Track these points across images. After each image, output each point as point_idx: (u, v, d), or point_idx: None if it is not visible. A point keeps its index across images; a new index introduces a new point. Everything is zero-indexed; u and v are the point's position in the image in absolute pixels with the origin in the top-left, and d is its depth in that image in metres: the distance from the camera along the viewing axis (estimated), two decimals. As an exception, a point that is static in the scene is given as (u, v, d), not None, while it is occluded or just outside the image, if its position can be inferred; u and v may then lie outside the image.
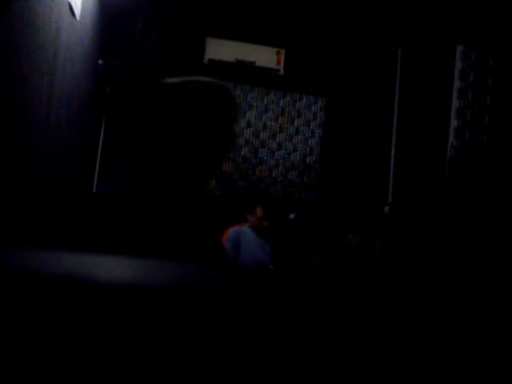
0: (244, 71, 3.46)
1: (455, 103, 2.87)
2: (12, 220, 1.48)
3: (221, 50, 3.44)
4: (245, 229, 3.14)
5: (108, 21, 2.89)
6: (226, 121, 1.10)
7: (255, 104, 3.62)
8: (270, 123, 3.61)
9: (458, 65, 2.88)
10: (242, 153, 3.58)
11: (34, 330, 0.34)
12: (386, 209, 3.20)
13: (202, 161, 1.08)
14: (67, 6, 1.92)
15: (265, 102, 3.61)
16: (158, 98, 1.11)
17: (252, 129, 3.60)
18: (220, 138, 1.08)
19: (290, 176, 3.61)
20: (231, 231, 3.09)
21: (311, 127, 3.68)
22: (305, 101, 3.68)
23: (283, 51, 3.52)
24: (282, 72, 3.54)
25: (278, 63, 3.52)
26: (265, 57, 3.50)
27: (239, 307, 0.37)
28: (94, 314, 0.34)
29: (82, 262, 0.38)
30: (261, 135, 3.61)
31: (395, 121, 3.36)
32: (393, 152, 3.35)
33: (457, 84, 2.87)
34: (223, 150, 1.12)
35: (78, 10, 2.08)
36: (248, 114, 3.60)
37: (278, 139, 3.62)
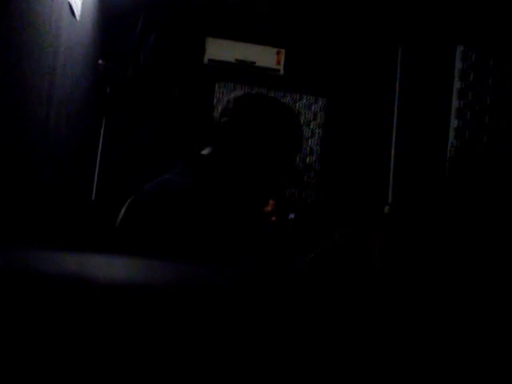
0: (244, 71, 3.46)
1: (455, 103, 2.86)
2: (12, 220, 1.48)
3: (221, 50, 3.43)
4: None
5: (108, 21, 2.88)
6: (288, 151, 1.09)
7: (255, 104, 3.61)
8: (270, 123, 3.60)
9: (458, 65, 2.87)
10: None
11: (34, 329, 0.34)
12: (386, 209, 3.19)
13: (261, 185, 1.07)
14: (67, 5, 1.92)
15: (265, 102, 3.60)
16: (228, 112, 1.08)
17: (252, 129, 3.59)
18: (278, 168, 1.07)
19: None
20: None
21: (311, 127, 3.68)
22: (305, 101, 3.68)
23: (283, 51, 3.52)
24: (282, 72, 3.54)
25: (278, 63, 3.52)
26: (265, 57, 3.50)
27: (239, 307, 0.37)
28: (94, 314, 0.34)
29: (82, 262, 0.38)
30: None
31: (395, 121, 3.36)
32: (393, 152, 3.34)
33: (457, 84, 2.87)
34: (283, 179, 1.11)
35: (78, 10, 2.08)
36: (248, 114, 3.59)
37: (278, 139, 3.61)
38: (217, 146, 1.07)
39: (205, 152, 1.08)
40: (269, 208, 2.96)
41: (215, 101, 3.33)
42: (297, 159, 1.15)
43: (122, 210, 1.00)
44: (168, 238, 0.90)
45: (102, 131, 3.15)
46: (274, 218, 3.00)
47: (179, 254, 0.88)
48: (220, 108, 1.08)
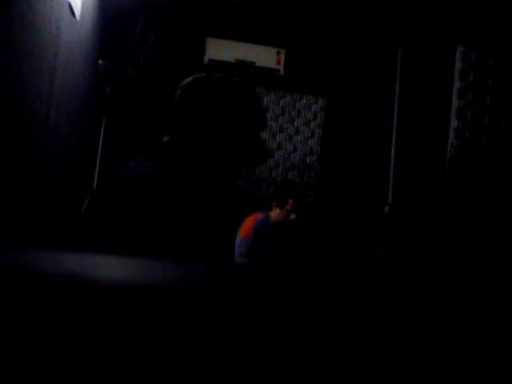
0: (244, 71, 3.46)
1: (455, 103, 2.86)
2: (12, 220, 1.48)
3: (221, 50, 3.43)
4: (269, 221, 2.88)
5: (108, 21, 2.88)
6: (249, 127, 1.09)
7: (255, 104, 3.61)
8: (269, 123, 3.61)
9: (458, 65, 2.87)
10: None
11: (34, 329, 0.34)
12: (386, 209, 3.20)
13: (224, 163, 1.07)
14: (67, 5, 1.92)
15: (265, 102, 3.61)
16: (184, 95, 1.08)
17: (252, 129, 3.59)
18: (243, 144, 1.07)
19: (289, 176, 3.61)
20: (259, 220, 2.81)
21: (311, 127, 3.68)
22: (305, 101, 3.68)
23: (283, 51, 3.52)
24: (282, 72, 3.54)
25: (278, 63, 3.52)
26: (265, 57, 3.50)
27: (237, 308, 0.37)
28: (94, 314, 0.34)
29: (82, 262, 0.38)
30: (261, 135, 3.58)
31: (395, 121, 3.36)
32: (393, 152, 3.35)
33: (457, 84, 2.87)
34: (247, 157, 1.11)
35: (78, 9, 2.08)
36: (248, 114, 3.59)
37: (278, 139, 3.62)
38: (173, 132, 1.09)
39: (164, 139, 1.10)
40: (288, 207, 2.95)
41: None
42: (258, 135, 1.15)
43: (87, 200, 1.01)
44: (129, 226, 0.91)
45: (102, 131, 3.15)
46: (293, 217, 2.98)
47: (140, 242, 0.89)
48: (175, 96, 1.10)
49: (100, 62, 2.86)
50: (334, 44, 3.51)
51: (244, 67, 3.46)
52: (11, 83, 1.39)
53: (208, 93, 1.06)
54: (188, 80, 1.09)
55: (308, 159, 3.66)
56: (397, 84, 3.36)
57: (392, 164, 3.33)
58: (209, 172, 1.07)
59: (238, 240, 2.68)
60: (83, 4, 2.19)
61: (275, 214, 2.92)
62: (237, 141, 1.07)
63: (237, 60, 3.45)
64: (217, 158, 1.06)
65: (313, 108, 3.69)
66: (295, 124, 3.66)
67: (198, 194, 1.05)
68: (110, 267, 0.39)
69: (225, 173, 1.09)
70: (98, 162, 3.10)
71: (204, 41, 3.41)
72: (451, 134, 2.84)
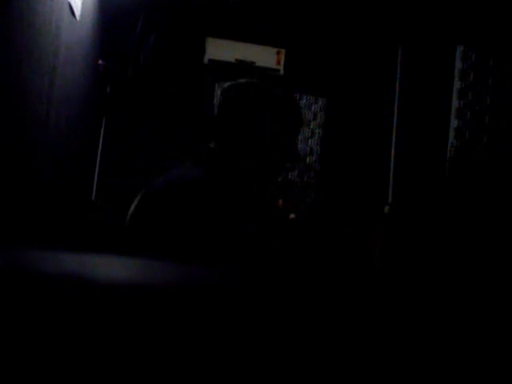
0: (244, 71, 3.46)
1: (455, 103, 2.86)
2: (12, 220, 1.48)
3: (221, 50, 3.43)
4: None
5: (108, 21, 2.89)
6: (290, 133, 1.10)
7: (255, 104, 3.60)
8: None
9: (458, 65, 2.87)
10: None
11: (34, 330, 0.34)
12: (386, 209, 3.20)
13: (263, 167, 1.08)
14: (67, 5, 1.92)
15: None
16: (228, 99, 1.08)
17: (252, 129, 3.59)
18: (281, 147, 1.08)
19: (290, 176, 3.61)
20: None
21: (311, 127, 3.68)
22: (305, 101, 3.68)
23: (283, 51, 3.52)
24: (282, 72, 3.54)
25: (278, 63, 3.52)
26: (265, 57, 3.50)
27: (239, 308, 0.37)
28: (94, 315, 0.34)
29: (82, 262, 0.38)
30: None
31: (395, 121, 3.36)
32: (393, 152, 3.35)
33: (457, 84, 2.87)
34: (286, 162, 1.12)
35: (78, 9, 2.08)
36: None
37: (278, 139, 3.61)
38: (219, 138, 1.09)
39: (211, 145, 1.09)
40: (279, 203, 2.96)
41: (215, 101, 3.33)
42: (297, 138, 1.17)
43: (133, 205, 1.00)
44: (183, 232, 0.91)
45: (102, 131, 3.15)
46: (293, 216, 3.00)
47: (194, 247, 0.89)
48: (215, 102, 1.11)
49: (100, 62, 2.86)
50: (334, 44, 3.51)
51: (244, 67, 3.46)
52: (11, 83, 1.39)
53: (251, 99, 1.07)
54: (229, 85, 1.10)
55: (308, 159, 3.66)
56: (397, 84, 3.36)
57: (392, 164, 3.33)
58: (252, 177, 1.08)
59: None
60: (83, 4, 2.19)
61: None
62: (278, 146, 1.08)
63: (237, 60, 3.45)
64: (259, 163, 1.07)
65: (313, 108, 3.69)
66: (295, 124, 3.65)
67: (242, 197, 1.06)
68: (110, 267, 0.39)
69: (264, 177, 1.11)
70: (98, 162, 3.11)
71: (204, 41, 3.41)
72: (451, 134, 2.84)
